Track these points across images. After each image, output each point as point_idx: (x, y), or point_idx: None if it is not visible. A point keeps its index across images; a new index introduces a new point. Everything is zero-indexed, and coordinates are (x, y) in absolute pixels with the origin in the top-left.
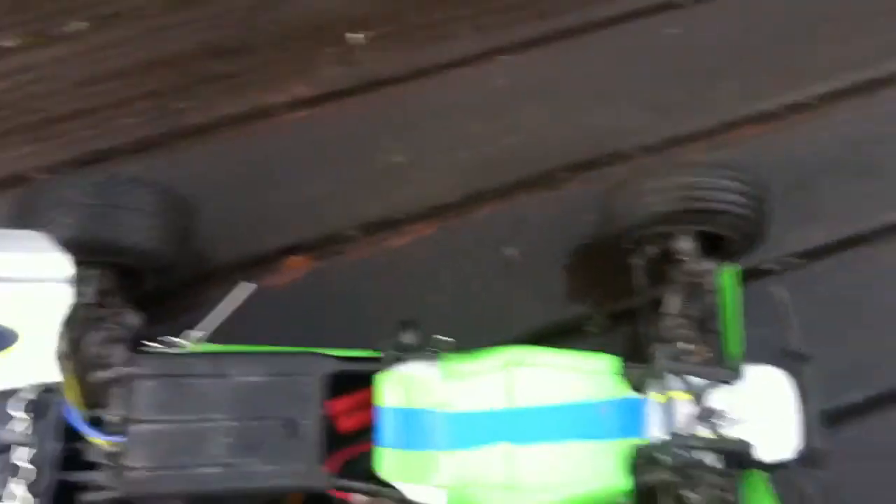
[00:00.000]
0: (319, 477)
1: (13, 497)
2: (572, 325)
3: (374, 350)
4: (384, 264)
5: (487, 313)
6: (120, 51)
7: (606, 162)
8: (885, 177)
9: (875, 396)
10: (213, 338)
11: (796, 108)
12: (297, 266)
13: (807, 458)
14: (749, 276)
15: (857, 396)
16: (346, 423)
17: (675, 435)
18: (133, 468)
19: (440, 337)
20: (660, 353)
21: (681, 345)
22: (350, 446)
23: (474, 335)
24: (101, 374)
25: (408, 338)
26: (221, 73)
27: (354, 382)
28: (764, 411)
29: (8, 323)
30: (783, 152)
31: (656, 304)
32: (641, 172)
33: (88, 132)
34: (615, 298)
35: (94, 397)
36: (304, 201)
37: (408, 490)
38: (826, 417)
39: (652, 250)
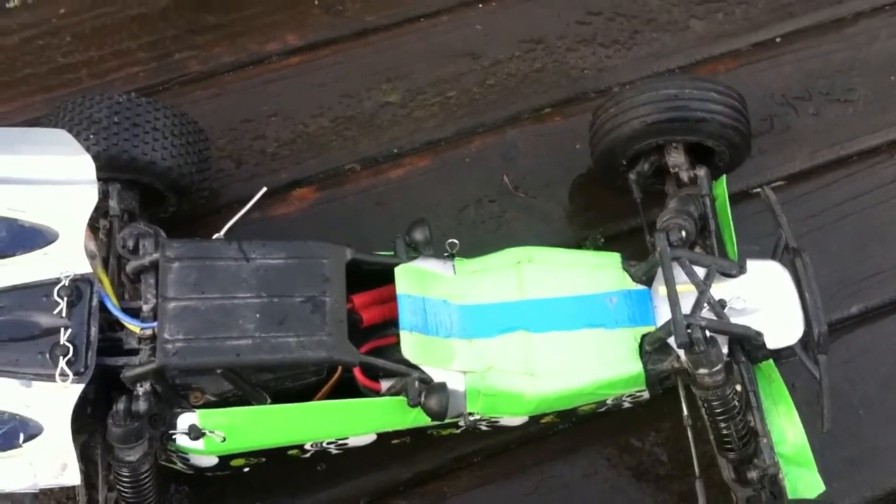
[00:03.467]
0: (348, 350)
1: (65, 375)
2: (569, 246)
3: (388, 251)
4: (384, 193)
5: (487, 236)
6: (116, 7)
7: (587, 98)
8: (857, 103)
9: (864, 309)
10: None
11: (764, 44)
12: (303, 197)
13: (810, 342)
14: (736, 200)
15: (846, 310)
16: (368, 315)
17: (682, 322)
18: (169, 340)
19: (450, 240)
20: (660, 238)
21: (682, 234)
22: (373, 339)
23: (476, 254)
24: (135, 262)
25: (418, 234)
26: (215, 24)
27: (373, 283)
28: (766, 301)
29: (45, 221)
30: (756, 85)
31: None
32: (625, 89)
33: (95, 81)
34: (609, 220)
35: (130, 293)
36: (306, 139)
37: (431, 373)
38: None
39: (645, 165)
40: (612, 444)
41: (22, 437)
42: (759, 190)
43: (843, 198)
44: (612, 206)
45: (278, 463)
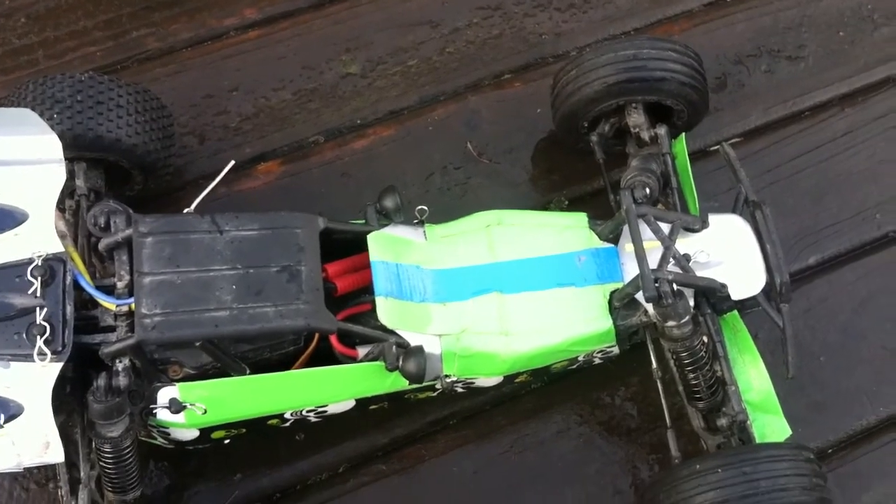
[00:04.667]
0: (326, 318)
1: (43, 354)
2: (536, 208)
3: (359, 219)
4: (350, 164)
5: (453, 202)
6: None
7: (546, 63)
8: (808, 59)
9: (822, 259)
10: None
11: (716, 4)
12: (268, 171)
13: (773, 292)
14: (695, 158)
15: (805, 261)
16: (342, 284)
17: (650, 277)
18: (147, 315)
19: (419, 207)
20: (625, 196)
21: (646, 190)
22: (348, 307)
23: (444, 221)
24: (107, 239)
25: (389, 202)
26: (171, 1)
27: (345, 253)
28: (729, 254)
29: (13, 202)
30: (710, 45)
31: (615, 185)
32: (585, 52)
33: (52, 62)
34: (572, 183)
35: (100, 272)
36: (268, 113)
37: (407, 337)
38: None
39: (606, 126)
40: (584, 400)
41: (3, 417)
42: (716, 147)
43: (798, 152)
44: (575, 168)
45: (258, 435)
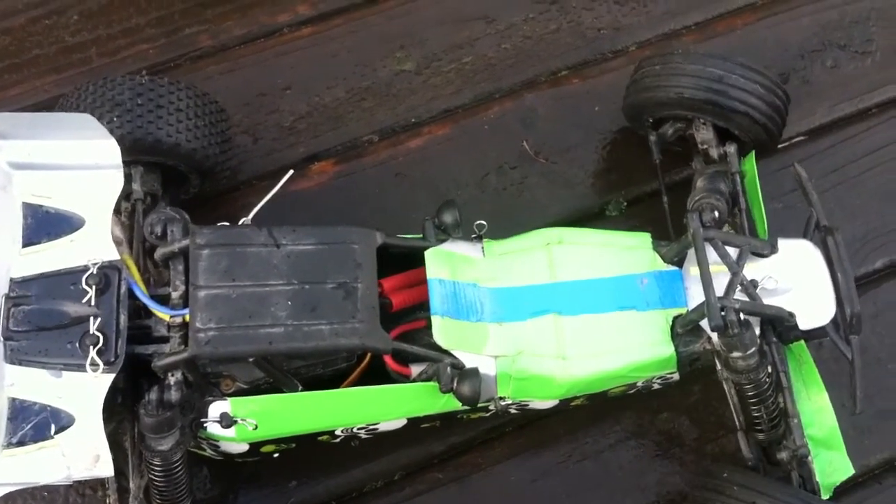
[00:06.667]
0: (381, 337)
1: (95, 365)
2: (593, 211)
3: (416, 235)
4: (404, 164)
5: (509, 203)
6: None
7: (605, 59)
8: (875, 54)
9: (890, 263)
10: None
11: None
12: (322, 171)
13: (842, 323)
14: (759, 157)
15: (872, 265)
16: (398, 300)
17: (716, 305)
18: (201, 329)
19: (478, 221)
20: (693, 219)
21: (715, 213)
22: (403, 324)
23: (499, 224)
24: (164, 249)
25: (448, 217)
26: None
27: (401, 266)
28: (798, 281)
29: (71, 208)
30: (773, 39)
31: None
32: (677, 53)
33: (105, 60)
34: (631, 183)
35: (155, 278)
36: (321, 111)
37: (462, 357)
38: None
39: (670, 130)
40: (644, 409)
41: (54, 428)
42: (780, 146)
43: (865, 150)
44: (635, 168)
45: (308, 447)
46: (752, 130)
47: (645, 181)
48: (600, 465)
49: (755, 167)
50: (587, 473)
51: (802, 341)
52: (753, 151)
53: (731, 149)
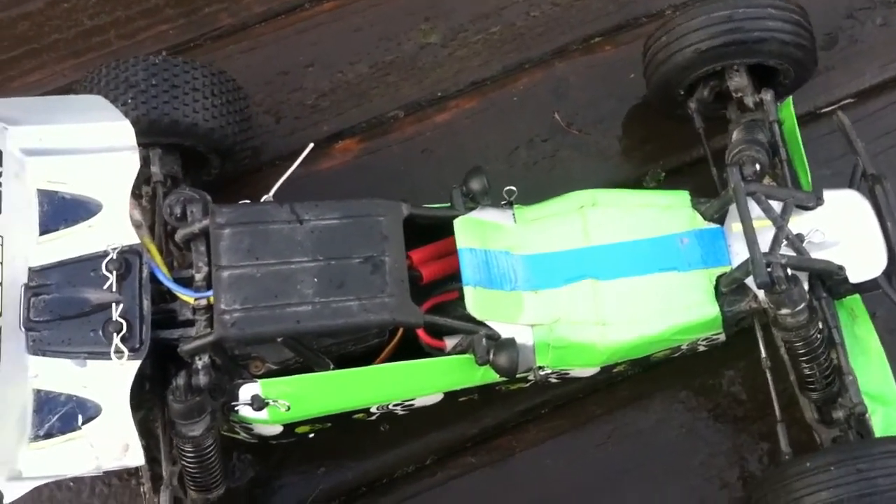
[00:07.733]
0: (412, 311)
1: (120, 352)
2: (629, 183)
3: (444, 204)
4: (431, 139)
5: (541, 177)
6: None
7: (639, 24)
8: None
9: None
10: None
11: None
12: (347, 149)
13: (894, 273)
14: (803, 122)
15: None
16: (428, 272)
17: (762, 261)
18: (226, 310)
19: (507, 187)
20: (733, 174)
21: (756, 166)
22: (435, 296)
23: (530, 200)
24: (184, 230)
25: (475, 184)
26: None
27: (430, 237)
28: (846, 233)
29: (87, 193)
30: None
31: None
32: (675, 16)
33: (124, 42)
34: (670, 152)
35: (178, 260)
36: (345, 88)
37: (497, 328)
38: None
39: (705, 91)
40: (686, 386)
41: (81, 418)
42: (828, 110)
43: None
44: (672, 137)
45: (342, 429)
46: (785, 52)
47: (684, 150)
48: (641, 446)
49: (793, 114)
50: (627, 456)
51: (857, 295)
52: (790, 98)
53: (768, 95)
